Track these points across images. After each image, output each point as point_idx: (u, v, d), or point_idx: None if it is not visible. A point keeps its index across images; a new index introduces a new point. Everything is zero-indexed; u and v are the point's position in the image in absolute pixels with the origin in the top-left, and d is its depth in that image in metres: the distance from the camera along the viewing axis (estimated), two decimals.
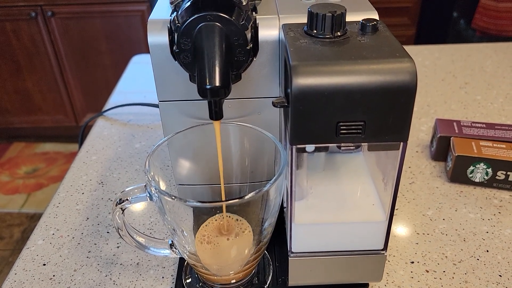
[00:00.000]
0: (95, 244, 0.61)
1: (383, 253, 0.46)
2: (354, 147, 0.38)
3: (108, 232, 0.62)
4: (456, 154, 0.67)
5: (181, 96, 0.49)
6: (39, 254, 0.59)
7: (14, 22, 2.03)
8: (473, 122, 0.74)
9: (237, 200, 0.41)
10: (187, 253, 0.48)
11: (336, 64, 0.36)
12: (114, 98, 0.97)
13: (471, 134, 0.71)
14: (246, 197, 0.41)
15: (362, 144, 0.38)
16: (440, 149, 0.72)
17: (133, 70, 1.10)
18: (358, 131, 0.37)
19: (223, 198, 0.49)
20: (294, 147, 0.38)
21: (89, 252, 0.59)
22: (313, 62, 0.36)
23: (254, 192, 0.41)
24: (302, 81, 0.36)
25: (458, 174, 0.68)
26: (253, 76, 0.48)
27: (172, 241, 0.50)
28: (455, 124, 0.73)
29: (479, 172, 0.67)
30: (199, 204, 0.41)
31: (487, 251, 0.58)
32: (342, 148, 0.38)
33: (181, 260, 0.56)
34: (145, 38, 2.06)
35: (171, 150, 0.50)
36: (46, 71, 2.16)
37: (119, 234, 0.48)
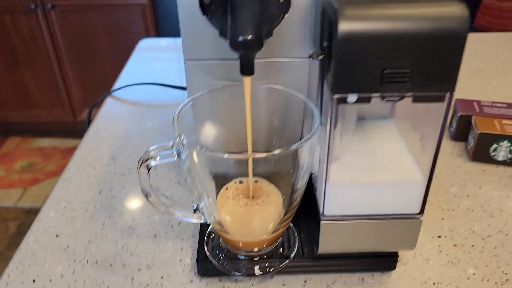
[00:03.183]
0: (109, 216, 0.58)
1: (419, 218, 0.44)
2: (398, 98, 0.37)
3: (122, 206, 0.60)
4: (478, 132, 0.65)
5: (208, 55, 0.47)
6: (51, 226, 0.57)
7: (13, 14, 2.01)
8: (494, 102, 0.72)
9: (265, 154, 0.39)
10: (214, 218, 0.46)
11: (383, 8, 0.35)
12: (122, 80, 0.94)
13: (493, 113, 0.70)
14: (276, 152, 0.39)
15: (407, 94, 0.36)
16: (460, 128, 0.71)
17: (140, 54, 1.08)
18: (404, 79, 0.35)
19: (250, 152, 0.46)
20: (335, 97, 0.37)
21: (103, 224, 0.57)
22: (359, 6, 0.35)
23: (284, 148, 0.39)
24: (348, 25, 0.34)
25: (480, 153, 0.67)
26: (284, 35, 0.46)
27: (196, 206, 0.48)
28: (475, 103, 0.72)
29: (502, 150, 0.65)
30: (230, 156, 0.39)
31: None
32: (385, 99, 0.37)
33: (202, 231, 0.54)
34: (145, 32, 2.04)
35: (195, 112, 0.48)
36: (44, 64, 2.13)
37: (145, 196, 0.46)
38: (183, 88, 0.88)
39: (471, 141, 0.68)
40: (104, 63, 2.13)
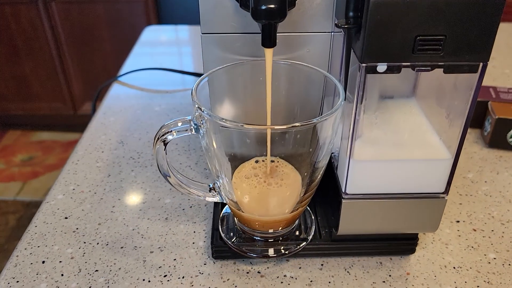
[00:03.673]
0: (119, 199, 0.57)
1: (444, 197, 0.42)
2: (429, 68, 0.35)
3: (132, 189, 0.58)
4: (496, 117, 0.64)
5: (227, 29, 0.45)
6: (60, 208, 0.55)
7: (13, 5, 1.98)
8: (510, 88, 0.71)
9: (285, 126, 0.37)
10: (230, 197, 0.44)
11: None
12: (128, 66, 0.92)
13: (510, 99, 0.68)
14: (297, 124, 0.37)
15: (439, 64, 0.35)
16: (475, 114, 0.70)
17: (145, 41, 1.06)
18: (438, 47, 0.34)
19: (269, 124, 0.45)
20: (364, 66, 0.35)
21: (113, 207, 0.56)
22: None
23: (305, 121, 0.37)
24: None
25: (498, 139, 0.65)
26: (306, 7, 0.44)
27: (212, 185, 0.46)
28: (491, 89, 0.71)
29: None
30: (249, 127, 0.37)
31: None
32: (416, 69, 0.35)
33: (215, 214, 0.52)
34: (147, 24, 2.02)
35: (212, 89, 0.46)
36: (45, 57, 2.10)
37: (164, 175, 0.44)
38: (192, 74, 0.87)
39: (488, 127, 0.66)
40: (105, 56, 2.11)
